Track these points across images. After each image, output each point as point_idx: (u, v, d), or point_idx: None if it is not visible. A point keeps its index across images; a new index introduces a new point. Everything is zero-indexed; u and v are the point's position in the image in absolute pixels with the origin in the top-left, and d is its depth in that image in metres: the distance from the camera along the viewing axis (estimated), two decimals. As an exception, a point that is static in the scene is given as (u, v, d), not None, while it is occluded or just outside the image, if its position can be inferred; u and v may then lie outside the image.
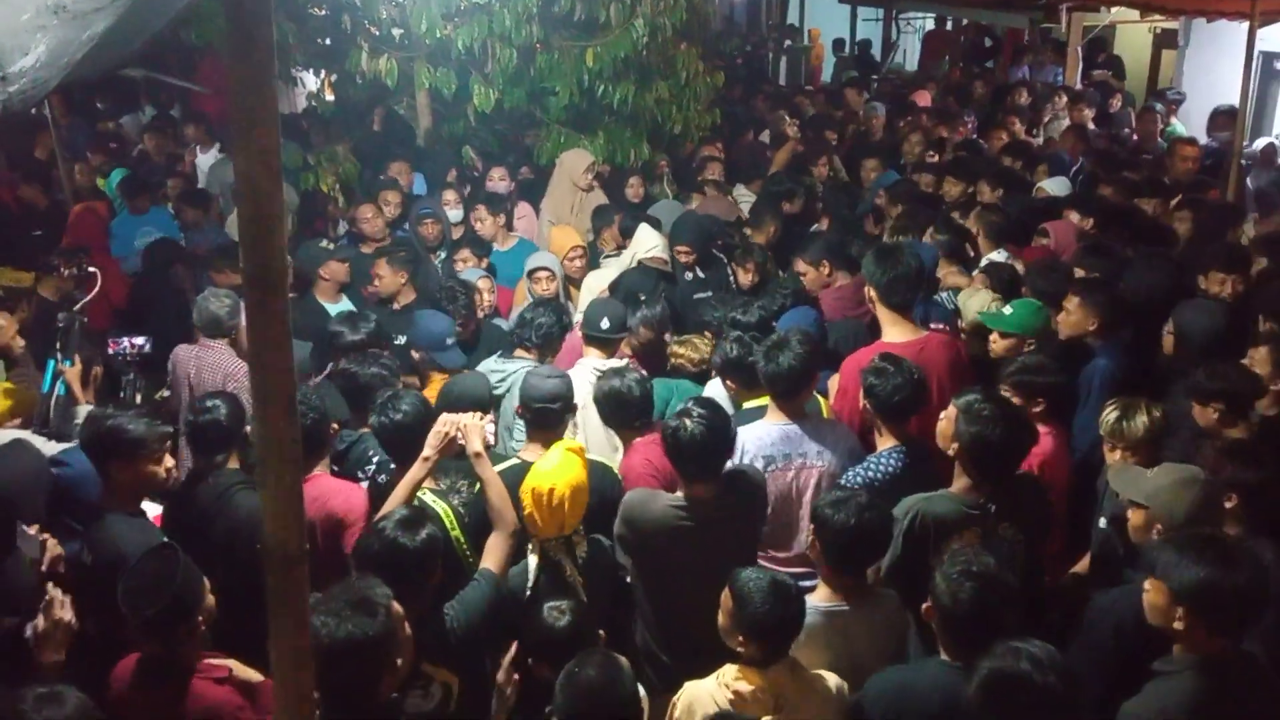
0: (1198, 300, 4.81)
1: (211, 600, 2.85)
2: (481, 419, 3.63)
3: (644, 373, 4.49)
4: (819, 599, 3.19)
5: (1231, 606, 2.60)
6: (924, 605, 2.88)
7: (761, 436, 3.85)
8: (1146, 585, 2.75)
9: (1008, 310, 4.66)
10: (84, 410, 4.48)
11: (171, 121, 10.59)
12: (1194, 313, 4.57)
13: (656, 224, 6.52)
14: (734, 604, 2.88)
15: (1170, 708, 2.62)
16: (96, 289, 5.41)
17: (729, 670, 2.92)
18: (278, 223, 1.73)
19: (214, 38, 7.80)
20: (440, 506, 3.54)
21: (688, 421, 3.42)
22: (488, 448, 3.56)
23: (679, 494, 3.54)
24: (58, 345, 4.89)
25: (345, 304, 6.00)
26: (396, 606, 2.66)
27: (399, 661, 2.67)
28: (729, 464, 3.63)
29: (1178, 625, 2.66)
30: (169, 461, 3.58)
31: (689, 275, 6.18)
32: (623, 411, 4.06)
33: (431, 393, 4.45)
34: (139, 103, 11.97)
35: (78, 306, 5.16)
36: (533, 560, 3.42)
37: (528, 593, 3.38)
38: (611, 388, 4.05)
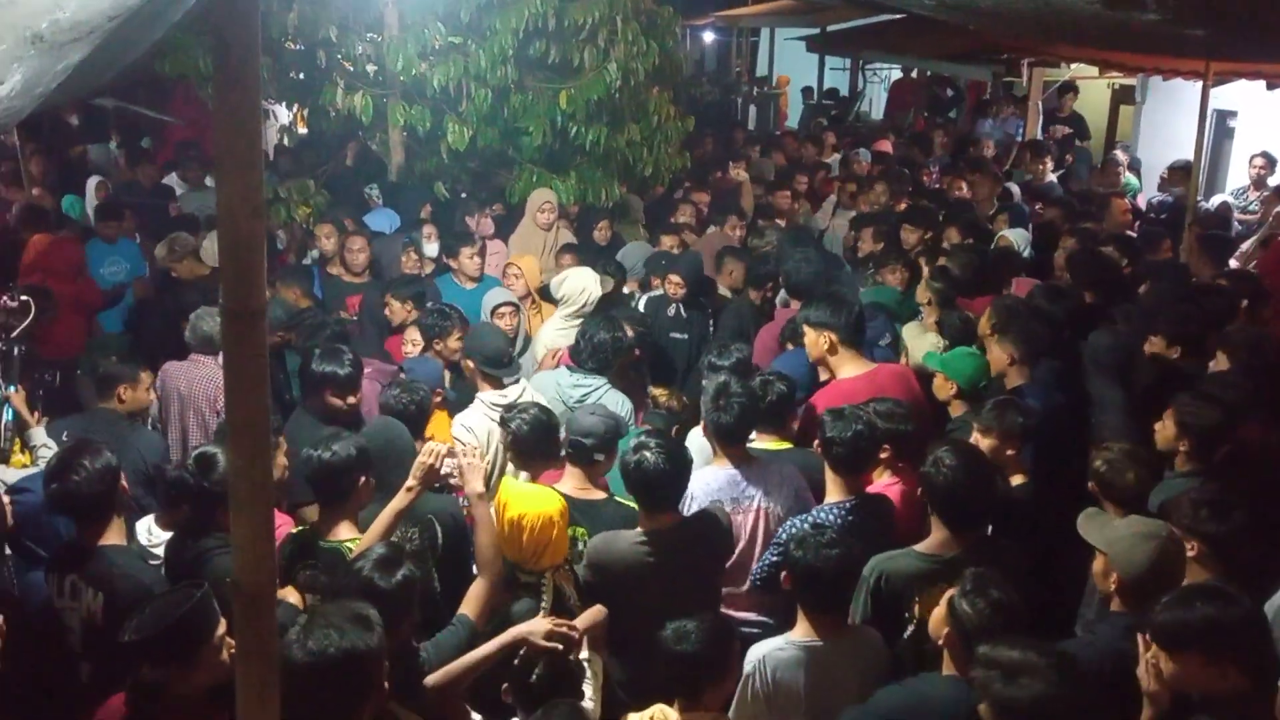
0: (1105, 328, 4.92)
1: (224, 655, 2.71)
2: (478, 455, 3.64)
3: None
4: (797, 634, 3.22)
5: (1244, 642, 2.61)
6: (944, 632, 2.89)
7: (710, 482, 3.90)
8: (1159, 656, 2.71)
9: (946, 354, 4.74)
10: (37, 434, 4.46)
11: (146, 152, 10.57)
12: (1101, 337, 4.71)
13: (619, 267, 6.67)
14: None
15: None
16: (31, 317, 5.38)
17: (658, 707, 2.97)
18: (259, 257, 1.75)
19: (189, 70, 7.81)
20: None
21: (648, 454, 3.49)
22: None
23: (639, 529, 3.60)
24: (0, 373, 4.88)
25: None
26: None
27: (385, 685, 2.64)
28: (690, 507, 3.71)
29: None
30: None
31: (671, 310, 6.22)
32: (540, 446, 4.09)
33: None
34: (107, 133, 11.94)
35: (15, 333, 5.15)
36: (548, 595, 3.44)
37: None
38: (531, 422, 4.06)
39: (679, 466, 3.56)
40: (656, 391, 4.87)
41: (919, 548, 3.47)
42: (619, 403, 4.87)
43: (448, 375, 5.19)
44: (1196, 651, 2.63)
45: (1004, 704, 2.45)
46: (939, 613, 2.94)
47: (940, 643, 2.89)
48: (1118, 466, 3.69)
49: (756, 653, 3.20)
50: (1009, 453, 4.05)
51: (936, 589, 3.26)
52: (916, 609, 3.35)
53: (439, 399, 4.86)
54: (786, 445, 4.29)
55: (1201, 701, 2.67)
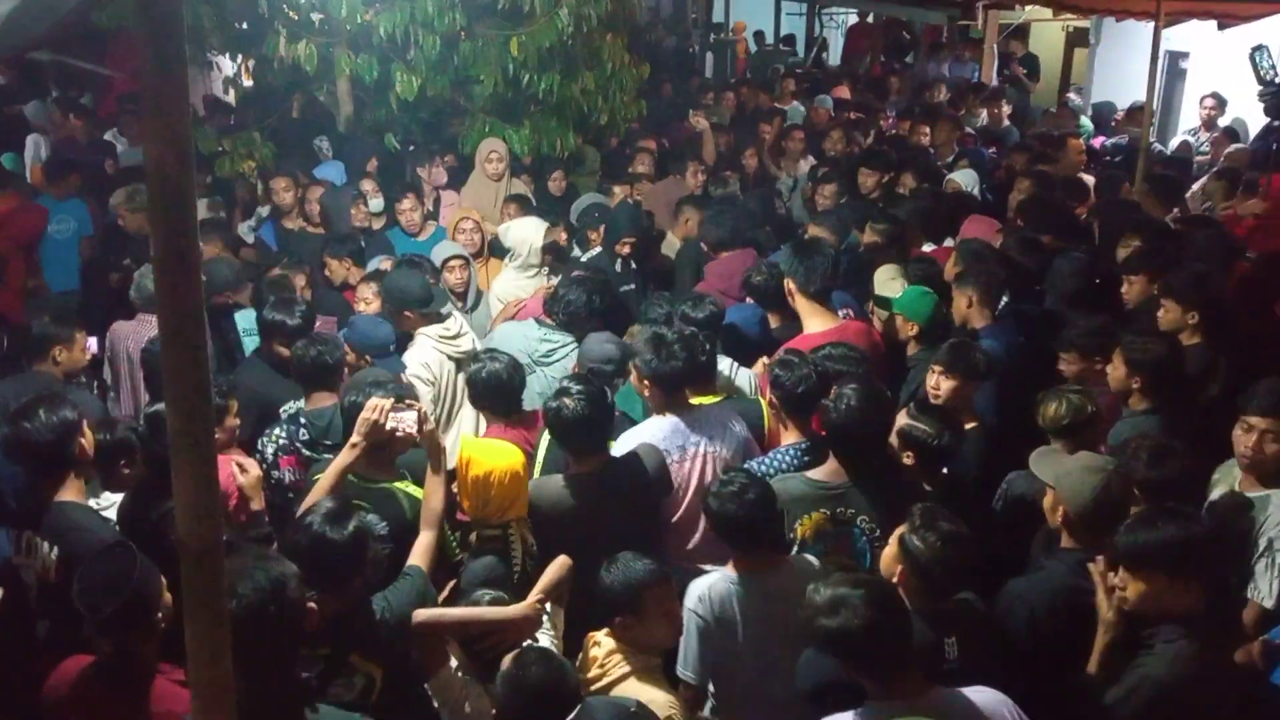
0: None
1: (169, 597, 2.74)
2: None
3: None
4: (730, 570, 3.32)
5: (1204, 557, 2.73)
6: (897, 570, 2.93)
7: (655, 432, 3.92)
8: (1125, 579, 2.79)
9: (899, 293, 4.81)
10: None
11: (83, 107, 10.27)
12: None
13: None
14: None
15: (1181, 673, 2.69)
16: None
17: (599, 632, 3.12)
18: (189, 207, 1.70)
19: (126, 21, 7.56)
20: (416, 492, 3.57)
21: (568, 400, 3.57)
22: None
23: (568, 473, 3.69)
24: None
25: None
26: None
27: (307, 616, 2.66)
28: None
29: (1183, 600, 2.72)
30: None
31: (619, 264, 6.17)
32: (495, 398, 4.12)
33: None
34: (46, 87, 11.57)
35: None
36: (519, 546, 3.50)
37: (515, 577, 3.44)
38: (490, 372, 4.09)
39: (600, 412, 3.64)
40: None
41: (809, 473, 3.58)
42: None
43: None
44: (1161, 570, 2.73)
45: (827, 636, 2.55)
46: (890, 552, 2.97)
47: (895, 581, 2.93)
48: (1048, 399, 3.78)
49: (700, 587, 3.28)
50: (968, 393, 4.10)
51: (818, 513, 3.45)
52: (799, 530, 3.46)
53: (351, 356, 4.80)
54: (714, 400, 4.29)
55: (1158, 621, 2.77)
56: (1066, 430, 3.71)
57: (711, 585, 3.27)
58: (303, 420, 4.23)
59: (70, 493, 3.47)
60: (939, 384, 4.10)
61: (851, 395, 3.47)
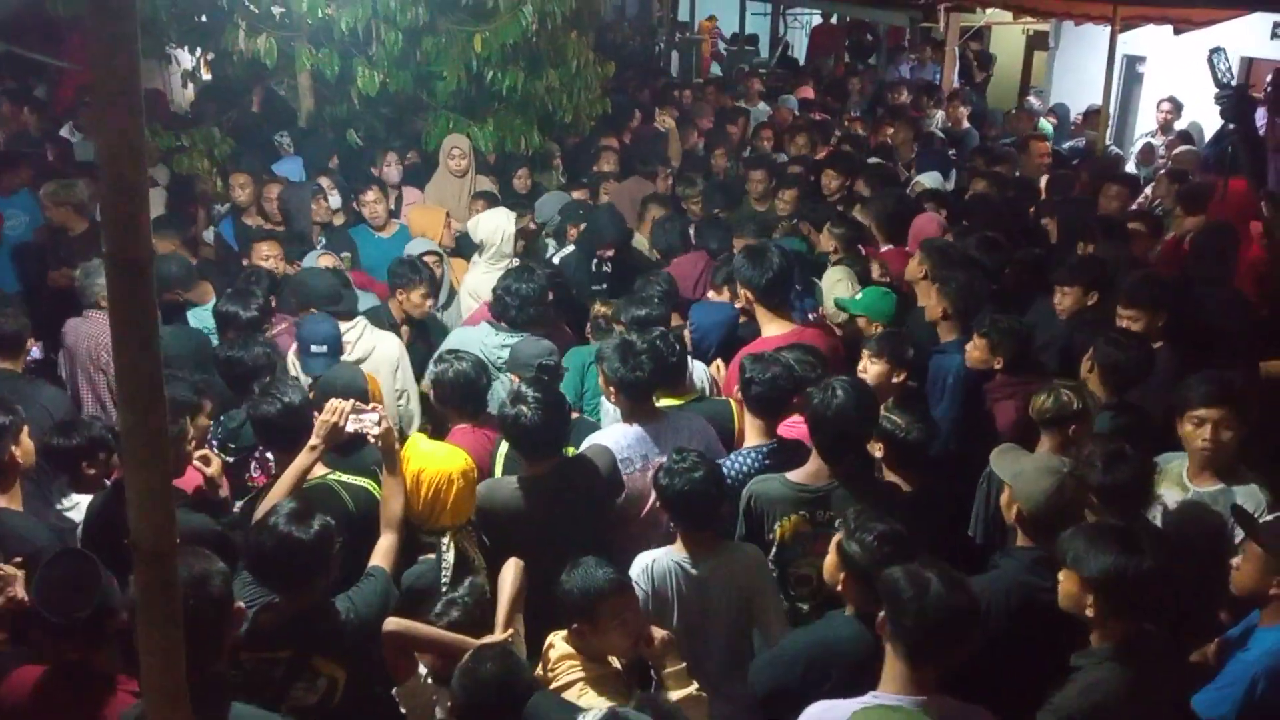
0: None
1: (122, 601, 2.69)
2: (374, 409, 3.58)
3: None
4: (675, 549, 3.38)
5: (1137, 592, 2.73)
6: (840, 577, 2.96)
7: (618, 440, 3.91)
8: (1061, 576, 2.86)
9: (859, 295, 4.89)
10: None
11: (35, 99, 10.06)
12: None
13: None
14: None
15: (1099, 700, 2.71)
16: None
17: (558, 634, 3.11)
18: (142, 203, 1.66)
19: (81, 10, 7.42)
20: (363, 481, 3.55)
21: (524, 409, 3.56)
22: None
23: (520, 475, 3.69)
24: None
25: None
26: None
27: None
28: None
29: (1089, 612, 2.76)
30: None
31: (593, 264, 6.13)
32: (462, 398, 4.11)
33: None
34: (-1, 78, 11.34)
35: None
36: (449, 555, 3.46)
37: (444, 587, 3.39)
38: (457, 372, 4.07)
39: (557, 418, 3.63)
40: (601, 306, 4.87)
41: (790, 475, 3.57)
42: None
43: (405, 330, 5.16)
44: (1091, 588, 2.76)
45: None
46: (830, 560, 3.01)
47: (839, 589, 2.99)
48: (1039, 392, 3.83)
49: (645, 559, 3.35)
50: (894, 380, 4.18)
51: (796, 515, 3.46)
52: (778, 532, 3.48)
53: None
54: (685, 399, 4.29)
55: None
56: (1050, 423, 3.76)
57: (656, 559, 3.34)
58: (220, 418, 4.22)
59: (1, 499, 3.41)
60: (865, 368, 4.18)
61: (842, 392, 3.45)
